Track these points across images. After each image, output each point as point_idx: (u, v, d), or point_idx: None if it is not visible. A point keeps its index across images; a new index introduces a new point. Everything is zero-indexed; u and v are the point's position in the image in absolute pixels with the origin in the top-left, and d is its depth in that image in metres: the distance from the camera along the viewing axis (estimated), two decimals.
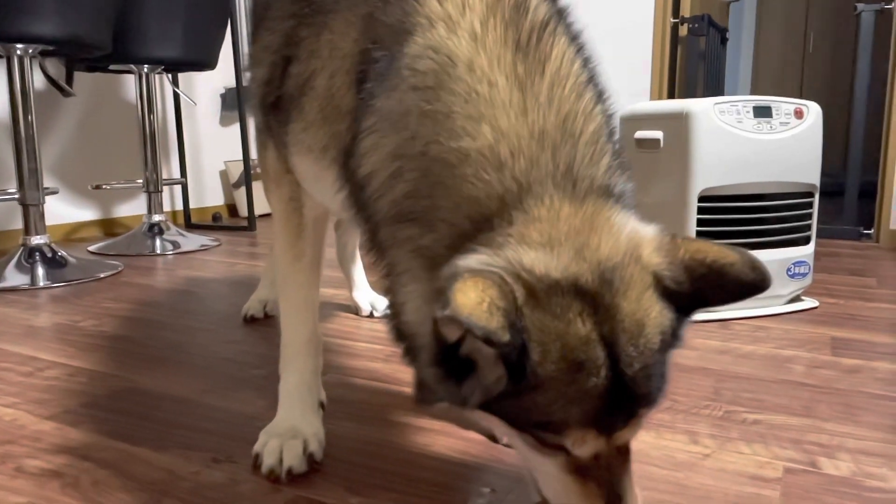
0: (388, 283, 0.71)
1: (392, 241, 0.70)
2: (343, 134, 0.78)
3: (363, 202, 0.73)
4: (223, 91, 3.66)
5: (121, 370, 1.32)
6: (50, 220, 2.77)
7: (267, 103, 0.93)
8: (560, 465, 0.64)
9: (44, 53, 2.24)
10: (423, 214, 0.67)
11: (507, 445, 0.99)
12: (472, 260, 0.60)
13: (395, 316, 0.69)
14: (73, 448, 0.99)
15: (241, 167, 3.47)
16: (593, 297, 0.59)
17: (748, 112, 1.70)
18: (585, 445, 0.62)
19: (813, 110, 1.76)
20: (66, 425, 1.07)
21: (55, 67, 2.75)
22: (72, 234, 3.01)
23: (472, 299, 0.53)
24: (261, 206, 3.32)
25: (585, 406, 0.60)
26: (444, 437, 1.02)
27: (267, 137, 1.00)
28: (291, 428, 0.95)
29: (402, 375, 1.29)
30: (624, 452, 0.66)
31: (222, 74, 3.49)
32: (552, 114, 0.66)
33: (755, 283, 0.62)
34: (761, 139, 1.69)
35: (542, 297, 0.58)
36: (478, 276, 0.56)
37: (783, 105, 1.73)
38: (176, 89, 3.25)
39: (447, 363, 0.61)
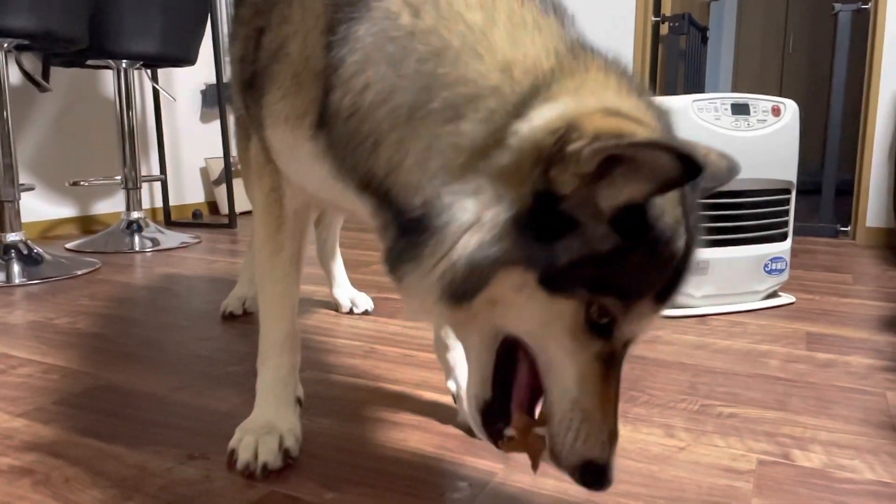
0: (419, 201, 0.65)
1: (405, 152, 0.66)
2: (320, 98, 0.75)
3: (351, 135, 0.71)
4: (203, 87, 3.63)
5: (94, 367, 1.31)
6: (27, 217, 2.73)
7: (243, 81, 0.91)
8: (593, 354, 0.63)
9: (19, 48, 2.21)
10: (444, 106, 0.64)
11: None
12: (565, 105, 0.59)
13: (442, 226, 0.62)
14: (45, 445, 0.98)
15: (221, 164, 3.45)
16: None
17: (726, 109, 1.71)
18: (642, 321, 0.63)
19: (790, 108, 1.78)
20: (38, 423, 1.06)
21: (31, 62, 2.71)
22: (49, 231, 2.98)
23: (636, 129, 0.53)
24: (241, 204, 3.30)
25: (664, 275, 0.61)
26: (421, 433, 1.02)
27: (248, 126, 0.99)
28: (267, 424, 0.94)
29: (381, 371, 1.28)
30: (628, 350, 0.67)
31: (203, 70, 3.47)
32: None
33: (729, 169, 0.66)
34: (739, 136, 1.71)
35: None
36: (610, 112, 0.55)
37: (760, 103, 1.75)
38: (155, 85, 3.22)
39: (533, 225, 0.58)
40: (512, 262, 0.59)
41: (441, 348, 1.08)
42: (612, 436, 0.66)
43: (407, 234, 0.65)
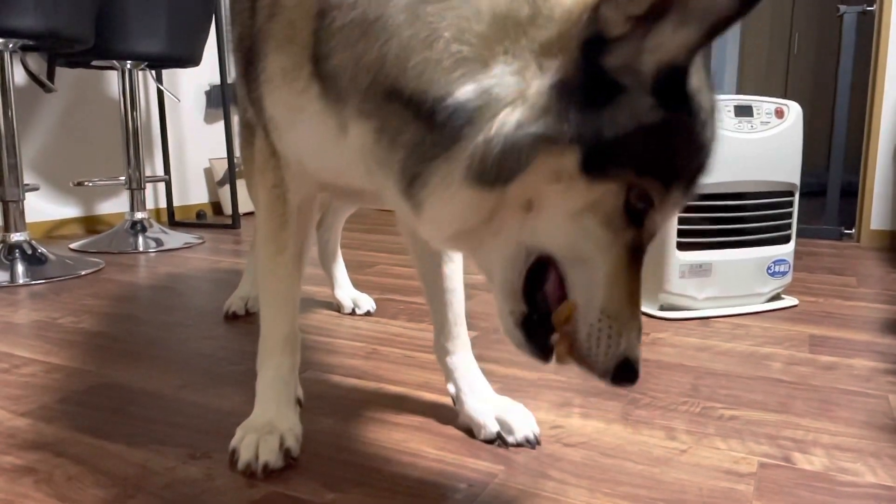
0: (447, 90, 0.62)
1: (428, 40, 0.63)
2: (315, 35, 0.74)
3: (354, 48, 0.69)
4: (208, 88, 3.64)
5: (97, 366, 1.31)
6: (31, 217, 2.75)
7: (244, 61, 0.89)
8: (625, 245, 0.64)
9: (24, 48, 2.22)
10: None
11: (490, 441, 0.99)
12: None
13: (479, 108, 0.61)
14: (47, 444, 0.98)
15: (225, 165, 3.46)
16: None
17: (729, 111, 1.71)
18: (670, 211, 0.64)
19: (794, 110, 1.78)
20: (41, 421, 1.06)
21: (36, 63, 2.72)
22: (53, 231, 2.99)
23: None
24: (245, 204, 3.31)
25: (699, 160, 0.62)
26: (422, 434, 1.02)
27: (251, 124, 0.98)
28: (268, 423, 0.95)
29: (383, 372, 1.29)
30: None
31: (207, 71, 3.48)
32: None
33: None
34: (742, 138, 1.70)
35: None
36: None
37: (764, 104, 1.75)
38: (159, 86, 3.23)
39: (578, 92, 0.58)
40: (555, 139, 0.58)
41: (441, 351, 1.08)
42: (639, 331, 0.67)
43: (434, 129, 0.62)
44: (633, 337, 0.66)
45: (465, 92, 0.61)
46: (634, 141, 0.58)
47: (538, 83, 0.59)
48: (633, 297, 0.66)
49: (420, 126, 0.64)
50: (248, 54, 0.87)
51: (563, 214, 0.62)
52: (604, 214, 0.62)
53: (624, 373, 0.67)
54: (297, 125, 0.83)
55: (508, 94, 0.60)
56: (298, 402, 1.02)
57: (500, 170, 0.60)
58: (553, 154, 0.59)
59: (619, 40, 0.57)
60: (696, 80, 0.59)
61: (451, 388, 1.07)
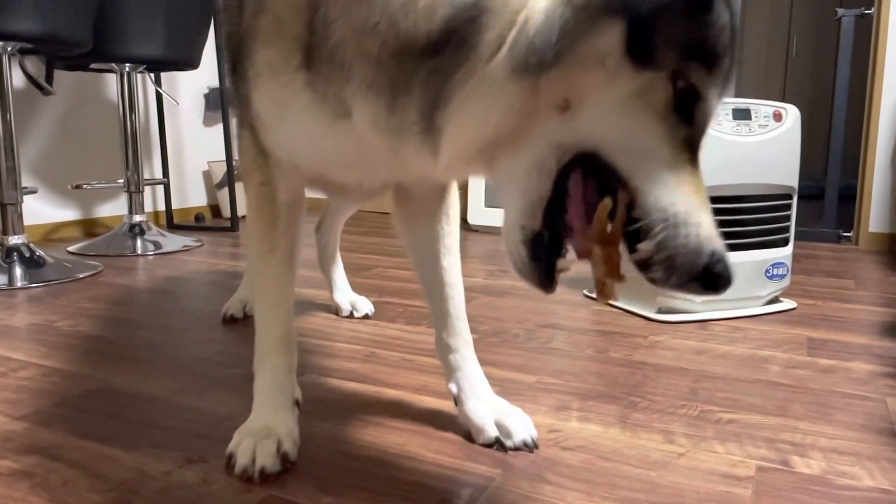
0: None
1: None
2: (304, 36, 0.74)
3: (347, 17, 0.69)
4: (207, 91, 3.64)
5: (94, 370, 1.31)
6: (29, 220, 2.74)
7: (233, 58, 0.90)
8: (683, 140, 0.62)
9: (23, 51, 2.22)
10: None
11: (488, 445, 0.99)
12: None
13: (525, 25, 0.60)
14: (43, 448, 0.98)
15: (224, 168, 3.46)
16: None
17: (727, 115, 1.71)
18: (716, 105, 0.63)
19: (791, 113, 1.78)
20: (37, 425, 1.06)
21: (35, 66, 2.72)
22: (51, 233, 2.98)
23: None
24: (244, 207, 3.30)
25: (731, 48, 0.62)
26: (420, 438, 1.02)
27: (243, 116, 0.98)
28: (265, 427, 0.94)
29: (381, 376, 1.28)
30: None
31: (206, 74, 3.48)
32: None
33: None
34: (740, 141, 1.70)
35: None
36: None
37: (762, 108, 1.75)
38: (158, 89, 3.23)
39: None
40: (595, 13, 0.57)
41: (443, 349, 1.07)
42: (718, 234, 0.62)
43: (450, 46, 0.62)
44: (716, 234, 0.62)
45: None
46: (670, 18, 0.58)
47: None
48: (702, 196, 0.62)
49: (435, 59, 0.63)
50: (236, 52, 0.88)
51: (611, 105, 0.60)
52: (655, 108, 0.61)
53: (717, 272, 0.60)
54: (287, 119, 0.83)
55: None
56: (297, 403, 1.01)
57: (537, 56, 0.58)
58: (594, 34, 0.58)
59: None
60: None
61: (452, 387, 1.06)
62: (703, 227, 0.61)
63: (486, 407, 1.02)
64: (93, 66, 2.71)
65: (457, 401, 1.05)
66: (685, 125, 0.62)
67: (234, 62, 0.91)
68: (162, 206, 3.44)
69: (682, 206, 0.61)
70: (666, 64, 0.60)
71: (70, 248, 2.66)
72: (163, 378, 1.27)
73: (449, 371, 1.07)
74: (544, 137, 0.63)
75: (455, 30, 0.62)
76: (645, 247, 0.62)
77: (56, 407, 1.13)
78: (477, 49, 0.62)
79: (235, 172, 3.21)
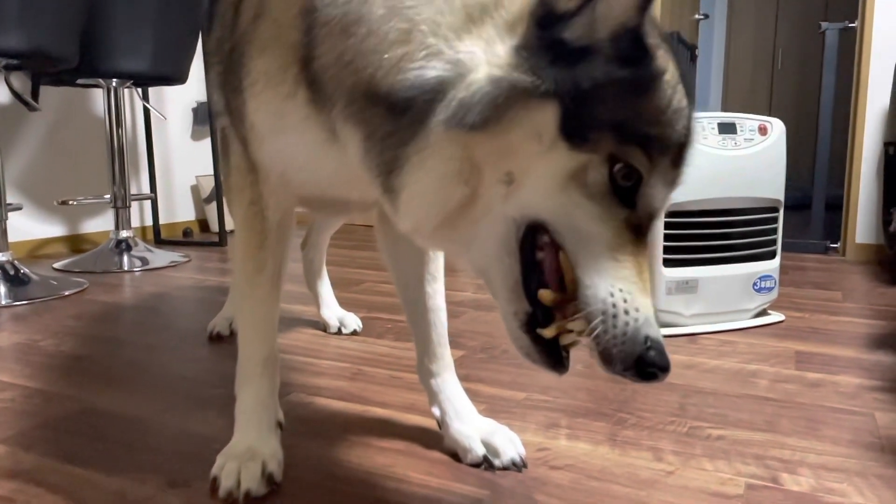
0: (420, 75, 0.64)
1: (404, 33, 0.65)
2: (303, 44, 0.73)
3: (340, 43, 0.69)
4: (195, 105, 3.63)
5: (78, 391, 1.29)
6: (15, 237, 2.72)
7: (222, 67, 0.88)
8: (622, 222, 0.62)
9: (8, 67, 2.20)
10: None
11: (476, 465, 0.98)
12: None
13: (456, 76, 0.63)
14: (25, 472, 0.96)
15: (212, 182, 3.44)
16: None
17: (713, 129, 1.72)
18: (663, 191, 0.63)
19: (777, 127, 1.79)
20: (19, 449, 1.04)
21: (20, 81, 2.71)
22: (37, 250, 2.96)
23: None
24: (232, 222, 3.29)
25: (678, 128, 0.62)
26: (407, 458, 1.01)
27: (229, 140, 0.97)
28: (249, 449, 0.93)
29: (368, 394, 1.27)
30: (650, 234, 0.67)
31: (194, 88, 3.47)
32: None
33: None
34: (726, 155, 1.71)
35: None
36: None
37: (747, 122, 1.76)
38: (146, 104, 3.21)
39: (544, 52, 0.60)
40: (529, 91, 0.59)
41: (425, 373, 1.07)
42: (654, 314, 0.63)
43: (407, 112, 0.64)
44: (652, 317, 0.62)
45: (434, 68, 0.63)
46: (607, 100, 0.60)
47: (506, 47, 0.62)
48: (643, 276, 0.63)
49: (395, 118, 0.65)
50: (229, 59, 0.85)
51: (549, 181, 0.62)
52: (592, 189, 0.61)
53: (656, 360, 0.61)
54: (282, 132, 0.81)
55: (477, 60, 0.62)
56: (279, 425, 1.00)
57: (479, 115, 0.60)
58: (530, 109, 0.60)
59: (571, 14, 0.60)
60: (653, 42, 0.62)
61: (435, 410, 1.06)
62: (641, 314, 0.62)
63: (472, 427, 1.01)
64: (79, 81, 2.70)
65: (440, 423, 1.04)
66: (626, 208, 0.62)
67: (225, 71, 0.88)
68: (150, 221, 3.42)
69: (620, 297, 0.62)
70: (601, 146, 0.60)
71: (56, 265, 2.64)
72: (147, 398, 1.25)
73: (431, 395, 1.06)
74: (499, 211, 0.64)
75: (416, 100, 0.63)
76: (584, 340, 0.64)
77: (38, 429, 1.12)
78: (432, 115, 0.63)
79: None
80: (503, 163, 0.62)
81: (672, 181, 0.64)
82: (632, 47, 0.60)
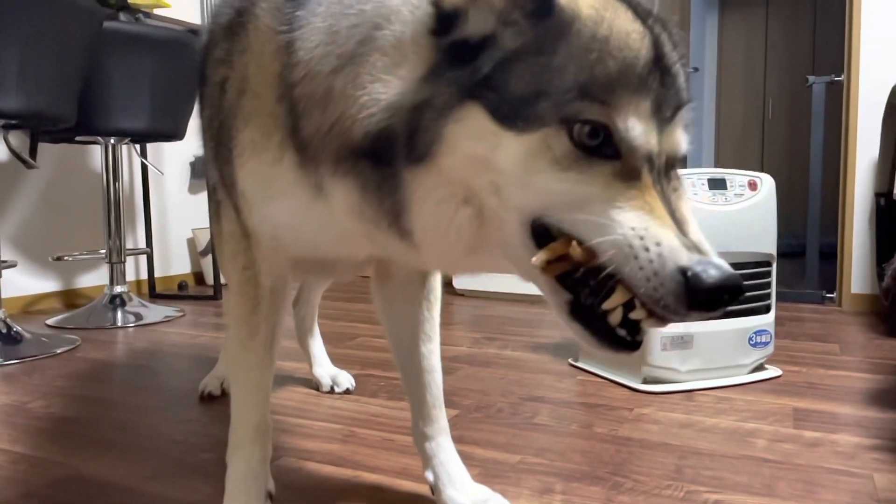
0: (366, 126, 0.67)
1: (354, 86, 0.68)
2: (280, 112, 0.76)
3: (313, 100, 0.72)
4: (192, 159, 3.67)
5: (65, 456, 1.27)
6: (9, 292, 2.71)
7: (214, 142, 0.91)
8: (610, 175, 0.58)
9: (7, 127, 2.23)
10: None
11: None
12: None
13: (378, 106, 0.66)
14: None
15: (208, 235, 3.45)
16: None
17: (703, 184, 1.73)
18: (639, 125, 0.59)
19: (766, 182, 1.80)
20: None
21: (19, 139, 2.74)
22: (31, 305, 2.95)
23: None
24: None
25: (631, 72, 0.59)
26: None
27: (220, 200, 0.98)
28: None
29: (360, 458, 1.25)
30: (675, 178, 0.62)
31: (192, 143, 3.50)
32: None
33: None
34: (717, 210, 1.72)
35: None
36: None
37: (737, 177, 1.77)
38: (143, 160, 3.25)
39: (452, 57, 0.62)
40: (451, 105, 0.61)
41: (419, 436, 1.05)
42: (700, 243, 0.57)
43: (380, 155, 0.66)
44: (681, 246, 0.56)
45: (373, 116, 0.65)
46: (521, 73, 0.60)
47: (414, 72, 0.64)
48: (658, 213, 0.58)
49: (378, 167, 0.67)
50: (219, 134, 0.88)
51: (520, 173, 0.60)
52: (561, 161, 0.58)
53: (704, 289, 0.55)
54: (271, 197, 0.83)
55: (396, 96, 0.64)
56: (269, 495, 0.98)
57: (423, 152, 0.62)
58: (460, 119, 0.61)
59: (463, 10, 0.62)
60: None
61: (429, 475, 1.04)
62: (665, 245, 0.56)
63: (465, 494, 0.99)
64: (78, 138, 2.73)
65: (433, 490, 1.03)
66: (610, 160, 0.59)
67: (216, 145, 0.91)
68: (145, 275, 3.42)
69: (633, 235, 0.57)
70: (546, 116, 0.59)
71: (49, 321, 2.63)
72: (134, 463, 1.23)
73: (425, 459, 1.04)
74: (504, 219, 0.64)
75: (379, 149, 0.66)
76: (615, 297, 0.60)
77: (22, 498, 1.09)
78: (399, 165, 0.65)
79: None
80: (479, 175, 0.62)
81: (657, 108, 0.60)
82: (530, 5, 0.60)
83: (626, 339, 0.62)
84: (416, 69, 0.64)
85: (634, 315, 0.60)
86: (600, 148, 0.59)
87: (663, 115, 0.61)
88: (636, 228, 0.57)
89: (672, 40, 0.64)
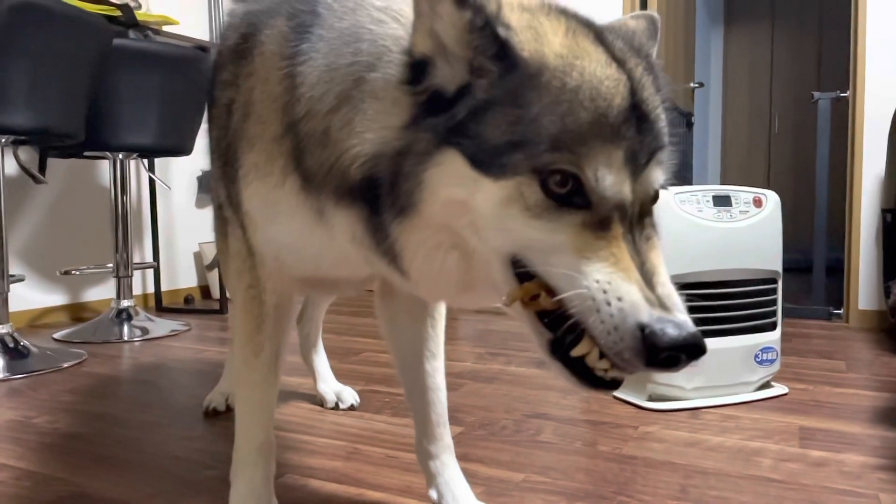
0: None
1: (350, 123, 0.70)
2: (285, 138, 0.78)
3: (314, 136, 0.74)
4: (200, 174, 3.69)
5: (69, 473, 1.27)
6: (16, 306, 2.72)
7: (222, 161, 0.93)
8: (579, 224, 0.59)
9: (16, 143, 2.26)
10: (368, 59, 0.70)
11: None
12: None
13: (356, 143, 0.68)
14: None
15: (214, 249, 3.46)
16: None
17: (708, 201, 1.73)
18: (609, 176, 0.58)
19: (771, 199, 1.80)
20: None
21: (28, 154, 2.76)
22: (38, 319, 2.96)
23: None
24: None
25: (603, 122, 0.59)
26: None
27: (226, 218, 1.00)
28: None
29: (363, 475, 1.25)
30: (649, 226, 0.62)
31: (200, 157, 3.52)
32: None
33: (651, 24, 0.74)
34: (722, 227, 1.72)
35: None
36: None
37: (742, 194, 1.77)
38: (151, 175, 3.27)
39: (428, 108, 0.63)
40: (429, 152, 0.62)
41: (423, 454, 1.05)
42: (666, 298, 0.57)
43: (369, 200, 0.69)
44: (650, 300, 0.57)
45: (364, 165, 0.67)
46: (493, 122, 0.60)
47: (392, 121, 0.66)
48: (624, 265, 0.58)
49: (371, 210, 0.69)
50: (226, 154, 0.89)
51: (495, 217, 0.62)
52: (532, 208, 0.59)
53: (661, 347, 0.55)
54: (274, 218, 0.84)
55: (376, 146, 0.66)
56: None
57: (406, 203, 0.64)
58: (440, 164, 0.62)
59: (431, 58, 0.64)
60: (519, 37, 0.62)
61: (432, 493, 1.04)
62: (626, 301, 0.57)
63: None
64: (86, 153, 2.75)
65: None
66: (580, 210, 0.59)
67: (223, 165, 0.93)
68: (152, 289, 3.43)
69: (597, 289, 0.58)
70: (519, 165, 0.59)
71: (55, 335, 2.64)
72: (138, 481, 1.23)
73: (429, 477, 1.04)
74: (487, 257, 0.65)
75: (372, 183, 0.68)
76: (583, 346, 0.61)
77: None
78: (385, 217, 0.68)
79: None
80: (459, 218, 0.64)
81: (631, 157, 0.60)
82: (490, 48, 0.61)
83: (603, 380, 0.62)
84: (399, 116, 0.66)
85: (600, 364, 0.61)
86: (571, 197, 0.59)
87: (638, 162, 0.61)
88: (600, 281, 0.58)
89: (655, 83, 0.64)
